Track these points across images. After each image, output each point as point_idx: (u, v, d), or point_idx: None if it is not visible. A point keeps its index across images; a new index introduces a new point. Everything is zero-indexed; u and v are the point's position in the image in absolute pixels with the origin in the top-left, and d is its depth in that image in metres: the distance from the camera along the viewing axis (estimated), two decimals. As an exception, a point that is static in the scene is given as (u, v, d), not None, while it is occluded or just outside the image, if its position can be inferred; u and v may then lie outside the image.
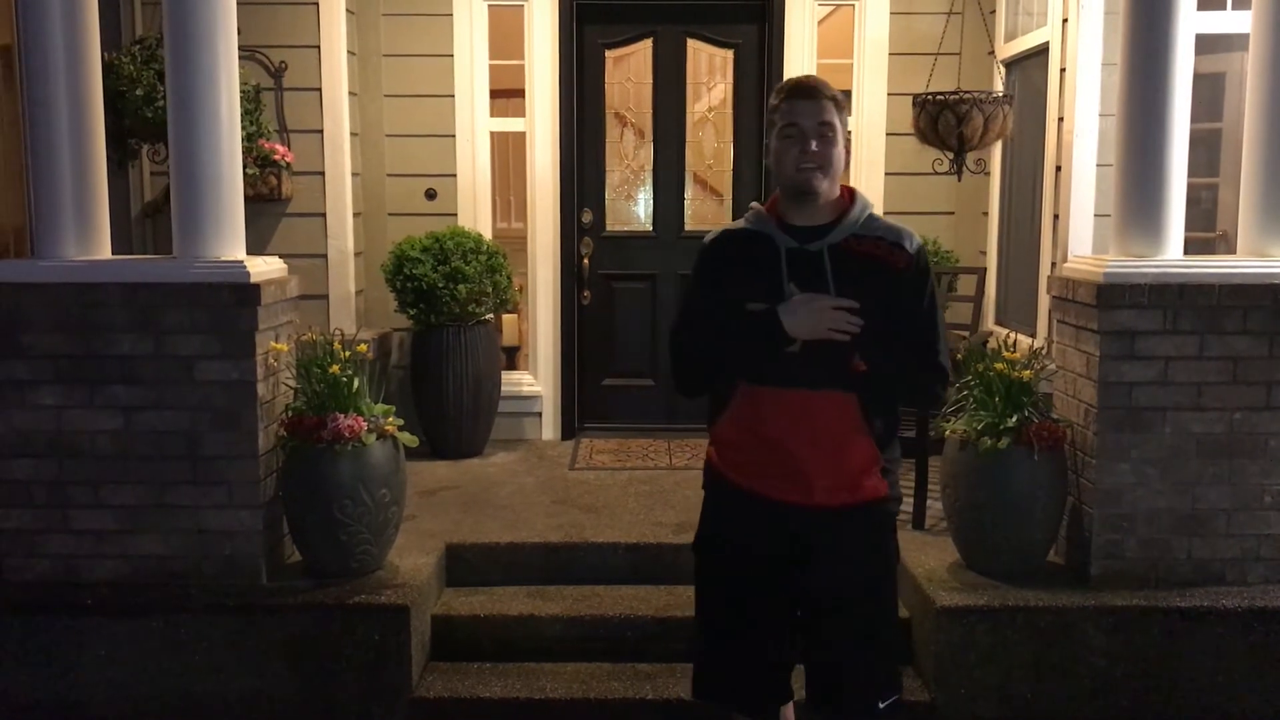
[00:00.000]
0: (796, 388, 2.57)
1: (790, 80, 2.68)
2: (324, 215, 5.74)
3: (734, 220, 2.77)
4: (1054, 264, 4.95)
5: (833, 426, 2.59)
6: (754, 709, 2.78)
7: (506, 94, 6.38)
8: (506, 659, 3.94)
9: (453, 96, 6.05)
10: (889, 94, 6.02)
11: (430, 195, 6.12)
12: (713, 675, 2.79)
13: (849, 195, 2.68)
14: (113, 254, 4.04)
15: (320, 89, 5.68)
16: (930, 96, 5.08)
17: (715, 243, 2.73)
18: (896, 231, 2.65)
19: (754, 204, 2.77)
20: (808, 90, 2.59)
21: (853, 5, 6.10)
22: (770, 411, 2.60)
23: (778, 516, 2.63)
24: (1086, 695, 3.71)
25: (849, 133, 2.69)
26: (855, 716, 2.72)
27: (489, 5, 6.06)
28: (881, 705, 2.69)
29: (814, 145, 2.55)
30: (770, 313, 2.53)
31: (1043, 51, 5.25)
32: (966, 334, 5.15)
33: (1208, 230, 5.15)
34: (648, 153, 6.34)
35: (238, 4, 3.86)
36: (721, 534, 2.74)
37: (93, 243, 3.90)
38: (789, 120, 2.57)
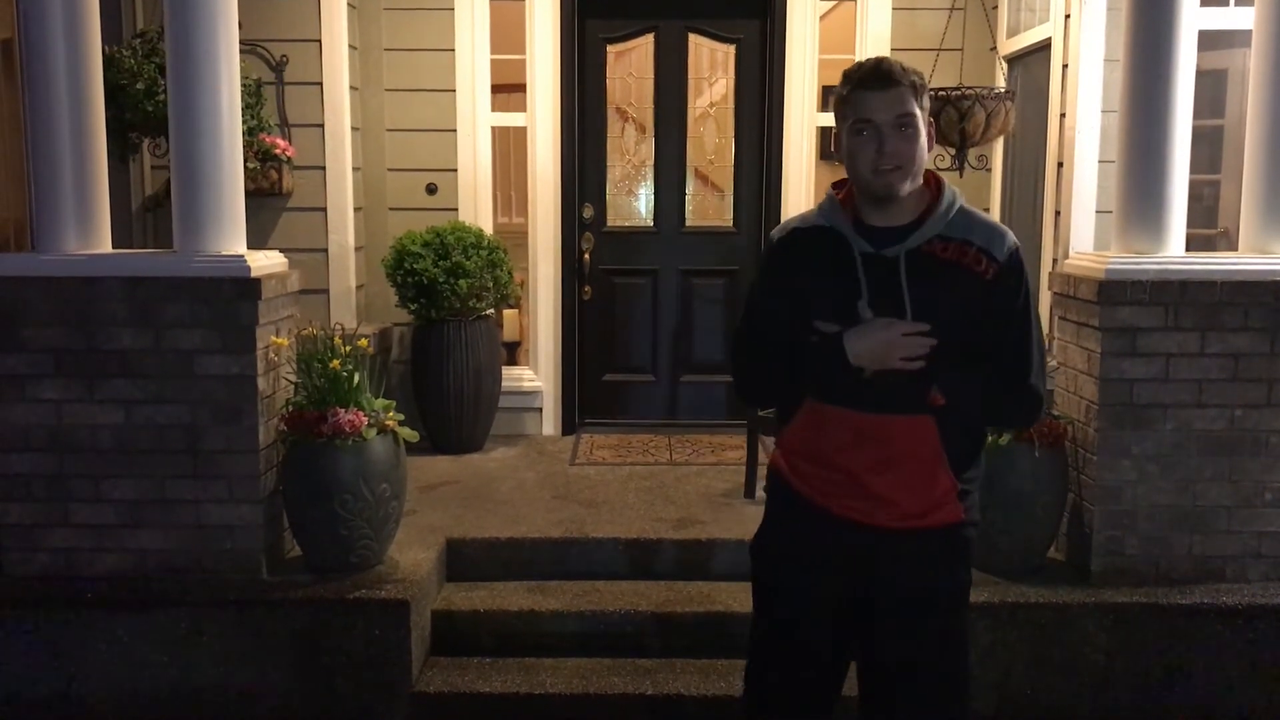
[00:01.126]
0: (866, 411, 2.31)
1: (860, 65, 2.31)
2: (325, 210, 5.73)
3: (785, 226, 2.49)
4: (1055, 260, 4.95)
5: (905, 453, 2.32)
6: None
7: (508, 88, 6.37)
8: (507, 654, 3.95)
9: (454, 91, 6.04)
10: (891, 89, 5.99)
11: (431, 190, 6.12)
12: (759, 689, 2.54)
13: (935, 186, 2.36)
14: (113, 248, 4.03)
15: (321, 83, 5.67)
16: (932, 92, 5.07)
17: (784, 241, 2.42)
18: (988, 232, 2.33)
19: (830, 190, 2.43)
20: (882, 77, 2.23)
21: (855, 0, 6.08)
22: (836, 432, 2.34)
23: (840, 531, 2.37)
24: (1087, 692, 3.71)
25: (931, 119, 2.36)
26: None
27: (490, -1, 6.06)
28: None
29: (892, 144, 2.24)
30: (835, 339, 2.26)
31: (1045, 47, 5.25)
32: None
33: (1209, 227, 5.16)
34: (649, 148, 6.34)
35: (239, -3, 3.85)
36: (779, 543, 2.49)
37: (93, 236, 3.90)
38: (861, 115, 2.25)
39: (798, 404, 2.40)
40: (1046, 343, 4.10)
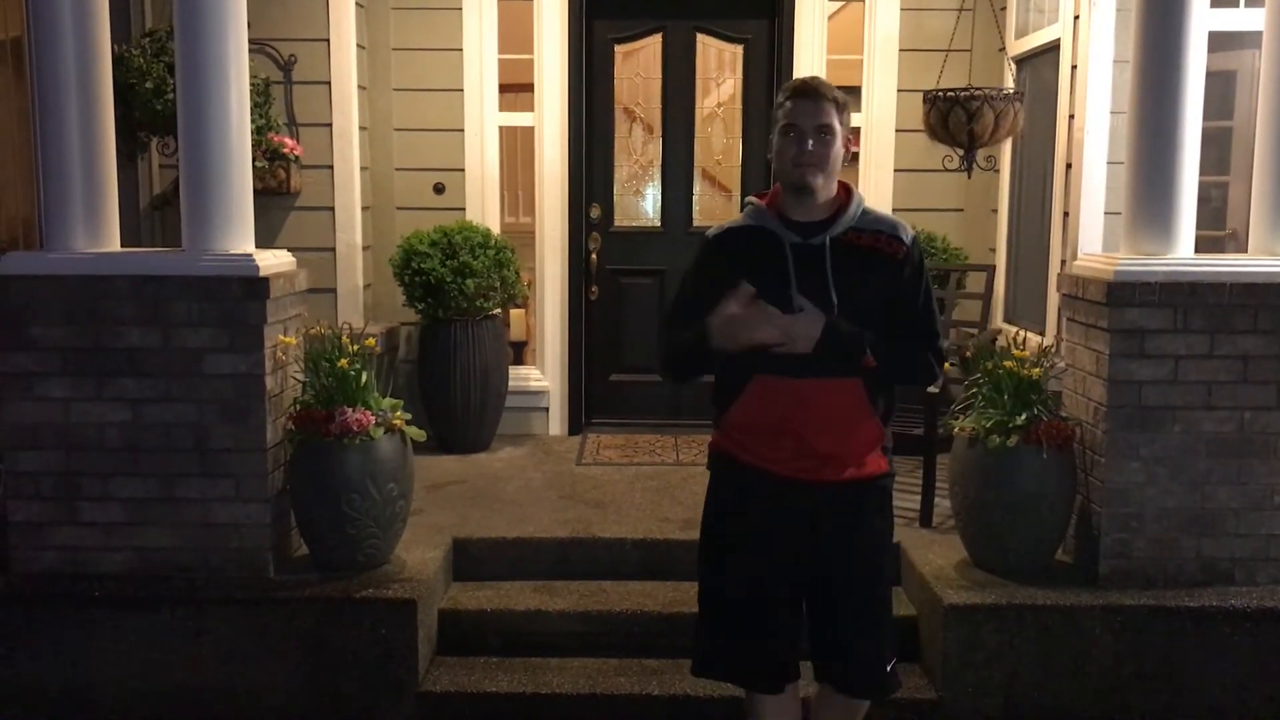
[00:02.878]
0: (808, 377, 2.67)
1: (795, 80, 2.78)
2: (333, 209, 5.74)
3: (721, 226, 2.90)
4: (1064, 262, 4.94)
5: (842, 411, 2.72)
6: (762, 684, 2.86)
7: (515, 88, 6.37)
8: (513, 654, 3.95)
9: (462, 90, 6.04)
10: (899, 90, 6.00)
11: (439, 189, 6.12)
12: (718, 651, 2.86)
13: (845, 192, 2.79)
14: (122, 246, 4.04)
15: (329, 82, 5.68)
16: (941, 93, 5.07)
17: (719, 239, 2.83)
18: (892, 224, 2.79)
19: (751, 199, 2.87)
20: (809, 92, 2.69)
21: (863, 1, 6.08)
22: (784, 399, 2.69)
23: (788, 492, 2.74)
24: (1093, 694, 3.70)
25: (849, 134, 2.76)
26: (868, 682, 2.85)
27: (498, -1, 6.06)
28: (888, 669, 2.84)
29: (811, 145, 2.66)
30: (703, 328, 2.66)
31: (1054, 48, 5.24)
32: (975, 331, 5.13)
33: (1218, 229, 5.14)
34: (656, 148, 6.33)
35: (248, -3, 3.86)
36: (734, 510, 2.82)
37: (102, 235, 3.90)
38: (790, 120, 2.69)
39: (745, 381, 2.72)
40: (1050, 343, 4.11)
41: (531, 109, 6.14)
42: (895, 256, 2.73)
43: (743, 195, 6.29)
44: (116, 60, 4.41)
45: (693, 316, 2.71)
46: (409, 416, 4.00)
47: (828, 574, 2.79)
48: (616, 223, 6.33)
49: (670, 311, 2.88)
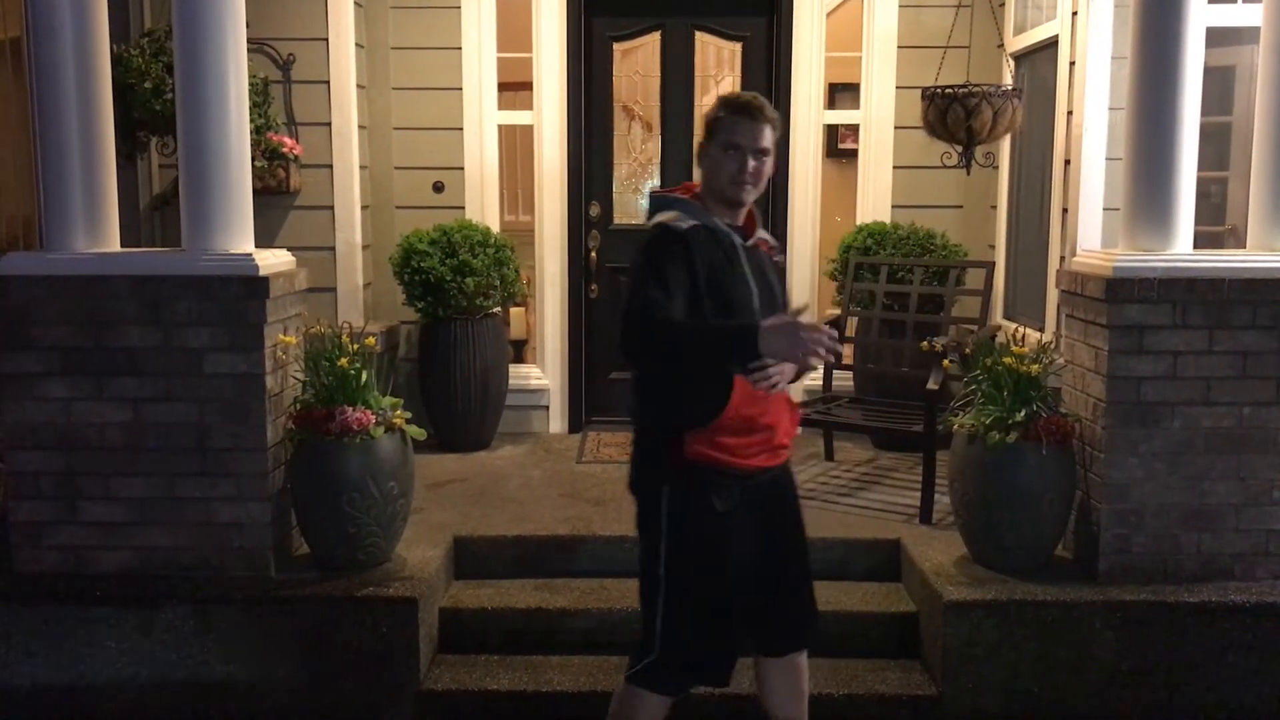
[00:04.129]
0: None
1: (736, 98, 2.89)
2: (332, 208, 5.75)
3: (680, 221, 2.82)
4: (1063, 258, 4.94)
5: (788, 399, 2.92)
6: (724, 679, 2.91)
7: (514, 87, 6.37)
8: (514, 651, 3.96)
9: (460, 89, 6.04)
10: (897, 87, 6.00)
11: (438, 188, 6.12)
12: (712, 658, 2.89)
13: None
14: (121, 246, 4.05)
15: (328, 81, 5.68)
16: (939, 90, 5.07)
17: (689, 234, 2.76)
18: (767, 233, 3.02)
19: (675, 195, 2.92)
20: (752, 113, 2.81)
21: (861, -2, 6.09)
22: (759, 396, 2.74)
23: (759, 483, 2.87)
24: (1093, 690, 3.71)
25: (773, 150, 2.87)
26: (814, 635, 3.10)
27: (497, -3, 6.06)
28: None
29: (751, 165, 2.80)
30: (750, 332, 2.58)
31: (1052, 45, 5.24)
32: (974, 328, 5.14)
33: (1217, 224, 5.14)
34: (655, 145, 6.33)
35: (246, -4, 3.86)
36: (722, 514, 2.81)
37: (102, 235, 3.91)
38: (732, 139, 2.79)
39: (729, 385, 2.74)
40: (1049, 339, 4.11)
41: (530, 107, 6.15)
42: (781, 264, 3.08)
43: (742, 193, 6.29)
44: (115, 60, 4.41)
45: (674, 312, 2.69)
46: (409, 415, 4.01)
47: (787, 548, 2.98)
48: (616, 220, 6.32)
49: (660, 307, 2.68)
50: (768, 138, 2.81)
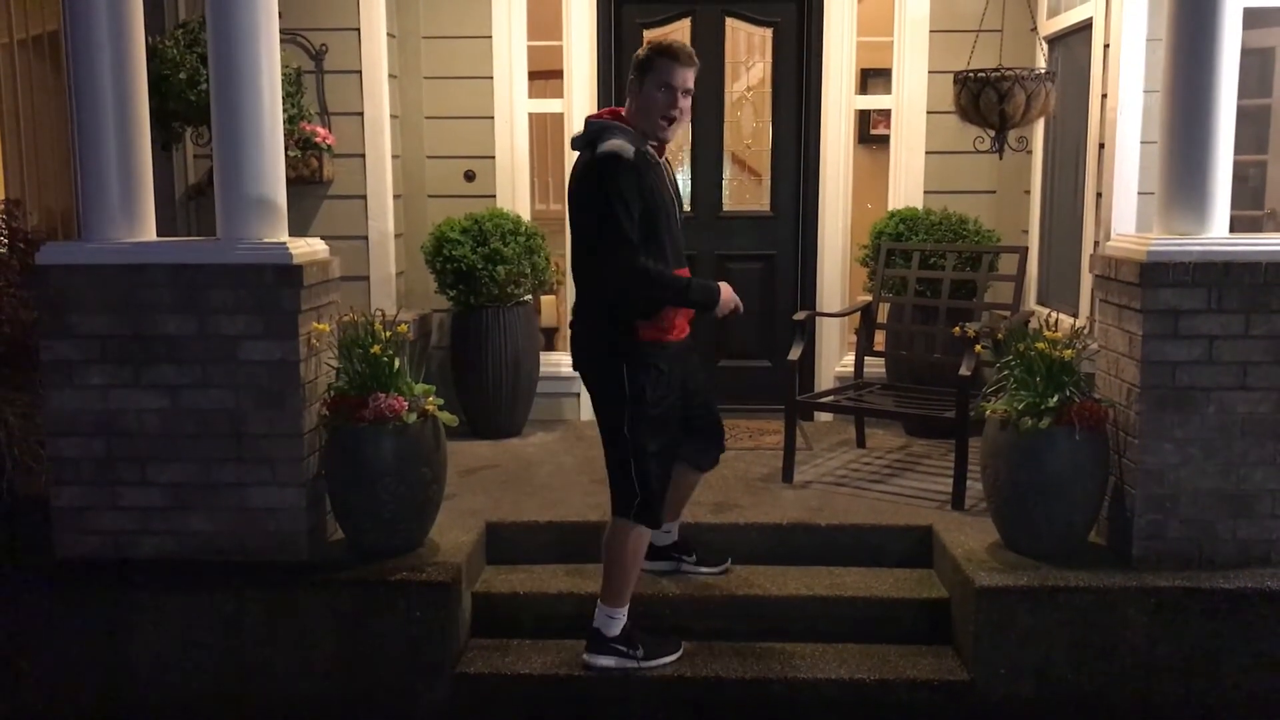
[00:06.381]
0: None
1: (668, 43, 3.47)
2: (365, 197, 5.79)
3: (625, 149, 3.39)
4: (1097, 242, 4.90)
5: None
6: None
7: (545, 75, 6.38)
8: (546, 636, 3.98)
9: (491, 78, 6.06)
10: (930, 72, 5.96)
11: (469, 177, 6.15)
12: (660, 491, 3.65)
13: None
14: (158, 236, 4.09)
15: (360, 71, 5.72)
16: (971, 74, 5.03)
17: (637, 162, 3.36)
18: None
19: (614, 123, 3.45)
20: (684, 58, 3.41)
21: (893, -18, 6.04)
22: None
23: (683, 347, 3.69)
24: (1127, 676, 3.69)
25: None
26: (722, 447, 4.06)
27: (527, -14, 6.07)
28: None
29: (680, 104, 3.42)
30: (714, 289, 3.62)
31: (1086, 27, 5.19)
32: (1008, 313, 5.10)
33: (1255, 208, 5.08)
34: (686, 133, 6.32)
35: (279, -13, 3.89)
36: (671, 377, 3.58)
37: (138, 225, 3.96)
38: (666, 79, 3.39)
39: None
40: (1083, 324, 4.08)
41: (561, 95, 6.15)
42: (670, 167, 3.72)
43: (773, 179, 6.29)
44: (151, 52, 4.46)
45: (643, 238, 3.37)
46: (441, 402, 4.03)
47: (701, 386, 3.88)
48: (646, 208, 6.31)
49: (636, 243, 3.37)
50: (691, 80, 3.43)
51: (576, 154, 3.56)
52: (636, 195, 3.35)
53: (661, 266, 3.45)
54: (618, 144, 3.35)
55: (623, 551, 3.65)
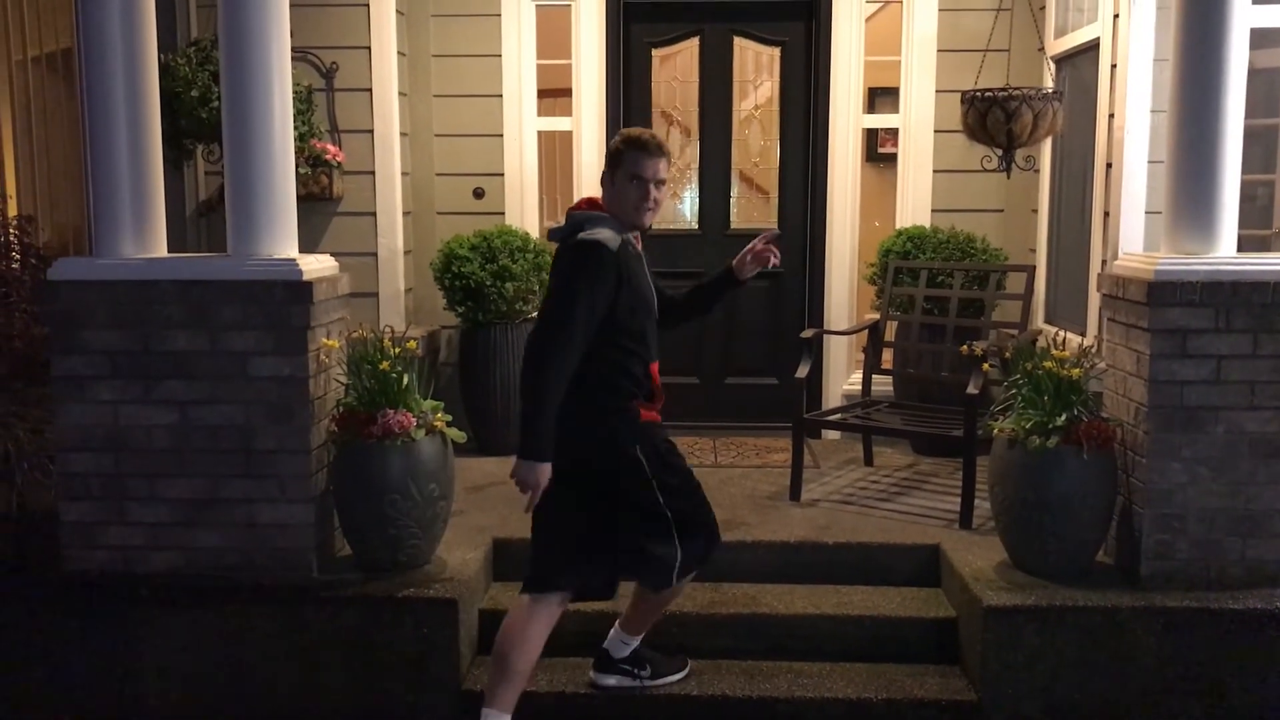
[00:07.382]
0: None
1: (636, 134, 3.42)
2: (374, 214, 5.82)
3: (600, 232, 3.33)
4: (1104, 261, 4.90)
5: None
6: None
7: (554, 93, 6.41)
8: (552, 654, 3.94)
9: (500, 96, 6.10)
10: (937, 91, 5.98)
11: (478, 194, 6.18)
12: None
13: None
14: (169, 252, 4.12)
15: (371, 89, 5.75)
16: (979, 93, 5.04)
17: (619, 253, 3.30)
18: None
19: (595, 214, 3.40)
20: (654, 149, 3.37)
21: (901, 2, 6.07)
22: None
23: (662, 426, 3.56)
24: (1136, 697, 3.68)
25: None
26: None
27: (536, 5, 6.11)
28: None
29: (652, 194, 3.38)
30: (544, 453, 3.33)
31: (1093, 47, 5.20)
32: (1015, 332, 5.10)
33: (1263, 227, 5.08)
34: (694, 151, 6.36)
35: (290, 6, 3.91)
36: (657, 444, 3.49)
37: (149, 241, 3.98)
38: (636, 171, 3.35)
39: (647, 368, 3.47)
40: (1090, 343, 4.07)
41: (570, 114, 6.19)
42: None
43: (780, 197, 6.30)
44: (163, 69, 4.49)
45: (591, 329, 3.26)
46: (450, 418, 4.04)
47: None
48: (654, 226, 6.32)
49: (575, 336, 3.23)
50: (664, 169, 3.40)
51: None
52: (612, 282, 3.27)
53: (561, 381, 3.23)
54: (604, 234, 3.30)
55: (670, 597, 3.70)
